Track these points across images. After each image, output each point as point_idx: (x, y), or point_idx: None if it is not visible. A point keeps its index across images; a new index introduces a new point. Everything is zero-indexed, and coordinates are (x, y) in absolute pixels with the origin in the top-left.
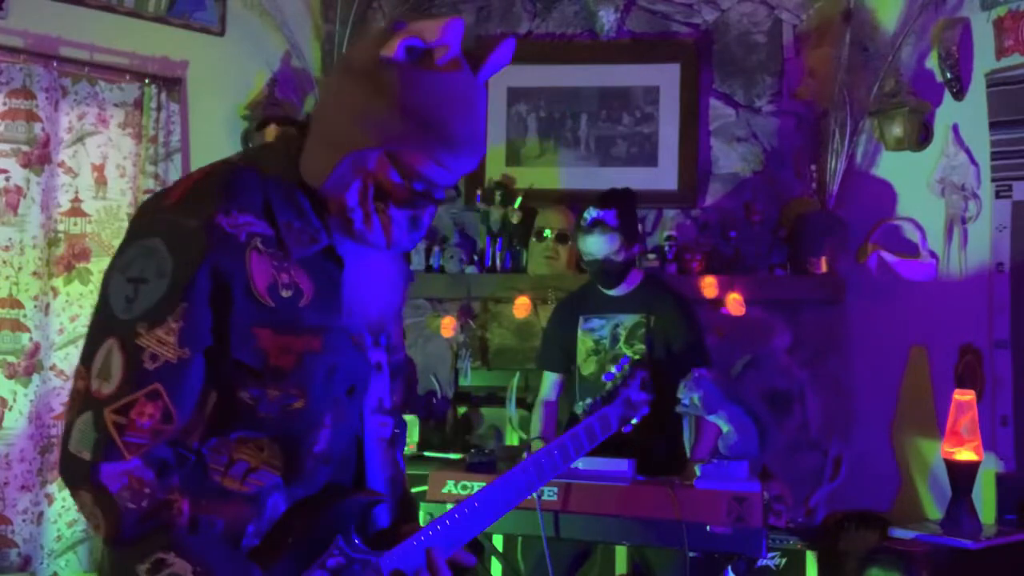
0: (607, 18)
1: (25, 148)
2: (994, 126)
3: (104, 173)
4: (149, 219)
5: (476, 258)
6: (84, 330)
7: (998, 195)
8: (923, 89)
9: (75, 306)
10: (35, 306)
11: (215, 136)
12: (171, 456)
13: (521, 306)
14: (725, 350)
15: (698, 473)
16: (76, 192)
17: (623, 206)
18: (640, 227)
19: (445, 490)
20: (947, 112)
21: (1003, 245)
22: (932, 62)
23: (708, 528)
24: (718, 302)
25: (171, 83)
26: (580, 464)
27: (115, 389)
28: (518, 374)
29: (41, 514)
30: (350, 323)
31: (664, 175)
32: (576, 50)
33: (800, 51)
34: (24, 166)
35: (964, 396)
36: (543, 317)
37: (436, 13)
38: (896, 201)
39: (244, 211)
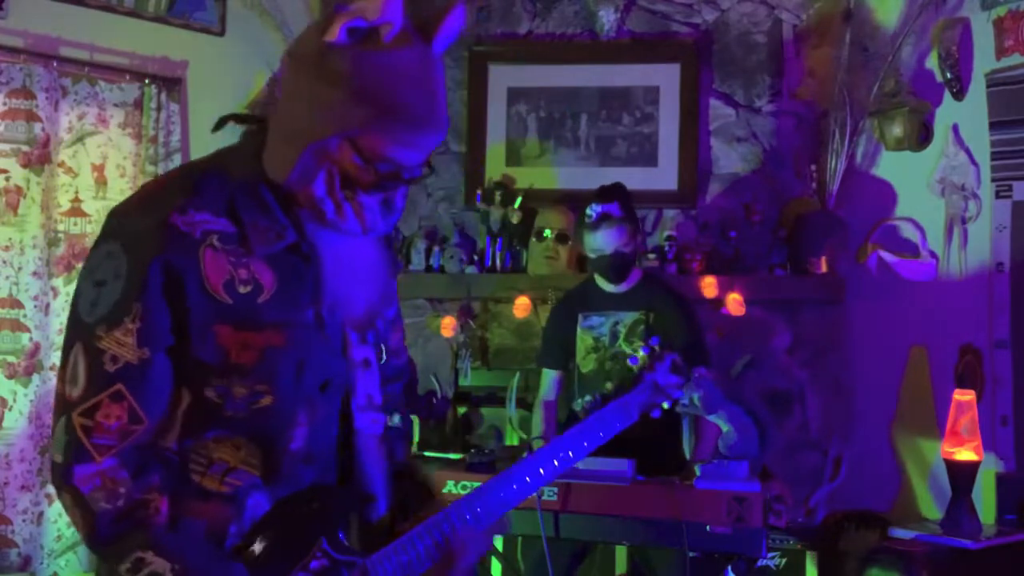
0: (607, 18)
1: (25, 148)
2: (994, 126)
3: (104, 173)
4: (111, 223)
5: (476, 258)
6: None
7: (998, 195)
8: (923, 89)
9: None
10: (35, 306)
11: (215, 136)
12: (151, 456)
13: (521, 306)
14: (725, 350)
15: (698, 473)
16: (76, 192)
17: (623, 198)
18: (639, 226)
19: (445, 490)
20: (947, 112)
21: (1003, 245)
22: (932, 62)
23: (708, 528)
24: (718, 302)
25: (171, 83)
26: (580, 464)
27: (81, 392)
28: (518, 374)
29: (41, 514)
30: (331, 319)
31: (664, 175)
32: (576, 50)
33: (800, 51)
34: (24, 166)
35: (964, 396)
36: (543, 317)
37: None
38: (896, 201)
39: (201, 209)
